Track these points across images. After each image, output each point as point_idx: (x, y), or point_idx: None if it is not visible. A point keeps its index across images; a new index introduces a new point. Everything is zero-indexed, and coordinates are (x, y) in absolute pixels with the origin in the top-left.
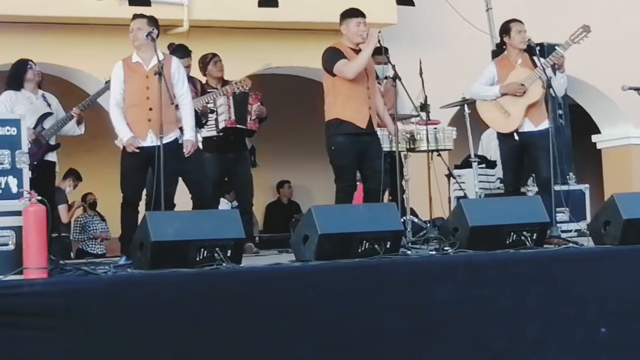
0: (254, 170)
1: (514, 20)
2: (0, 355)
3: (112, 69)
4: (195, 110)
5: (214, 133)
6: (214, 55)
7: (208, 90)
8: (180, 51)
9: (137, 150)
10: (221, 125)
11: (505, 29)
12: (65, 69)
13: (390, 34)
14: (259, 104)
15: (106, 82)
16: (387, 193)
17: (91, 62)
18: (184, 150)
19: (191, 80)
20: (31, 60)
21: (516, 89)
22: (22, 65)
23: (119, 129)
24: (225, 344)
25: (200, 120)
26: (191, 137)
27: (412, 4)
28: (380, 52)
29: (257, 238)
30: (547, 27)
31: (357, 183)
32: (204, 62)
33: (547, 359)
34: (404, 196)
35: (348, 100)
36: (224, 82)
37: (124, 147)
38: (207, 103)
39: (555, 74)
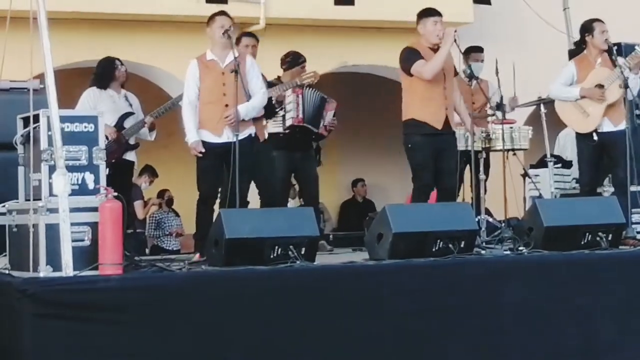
0: (325, 168)
1: (597, 20)
2: (75, 348)
3: (188, 68)
4: (270, 99)
5: (280, 130)
6: (304, 60)
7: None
8: (247, 33)
9: (200, 155)
10: (288, 122)
11: (587, 28)
12: (142, 66)
13: (467, 33)
14: (333, 112)
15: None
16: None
17: (168, 60)
18: (225, 115)
19: None
20: (118, 59)
21: (598, 96)
22: (110, 64)
23: (188, 129)
24: (298, 341)
25: (274, 109)
26: (240, 109)
27: (489, 3)
28: (478, 49)
29: (331, 236)
30: (624, 27)
31: None
32: (294, 63)
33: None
34: (480, 195)
35: (424, 101)
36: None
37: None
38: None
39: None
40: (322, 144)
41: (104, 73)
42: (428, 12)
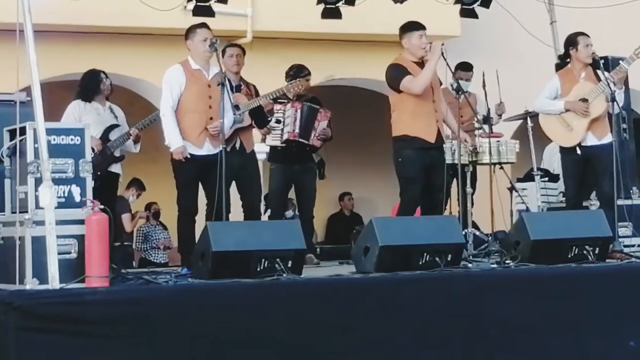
0: (317, 182)
1: (581, 33)
2: None
3: (170, 72)
4: (261, 109)
5: (278, 143)
6: (308, 73)
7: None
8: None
9: (184, 160)
10: (285, 136)
11: (571, 42)
12: (129, 79)
13: (454, 46)
14: (326, 122)
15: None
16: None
17: (155, 72)
18: (212, 125)
19: (245, 83)
20: (103, 72)
21: (582, 109)
22: (95, 77)
23: (170, 134)
24: (284, 353)
25: (265, 117)
26: (224, 124)
27: (476, 17)
28: (467, 68)
29: (318, 249)
30: (610, 41)
31: None
32: (297, 75)
33: None
34: (467, 209)
35: (415, 117)
36: (299, 97)
37: (177, 160)
38: (276, 113)
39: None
40: (320, 154)
41: (89, 86)
42: (412, 26)
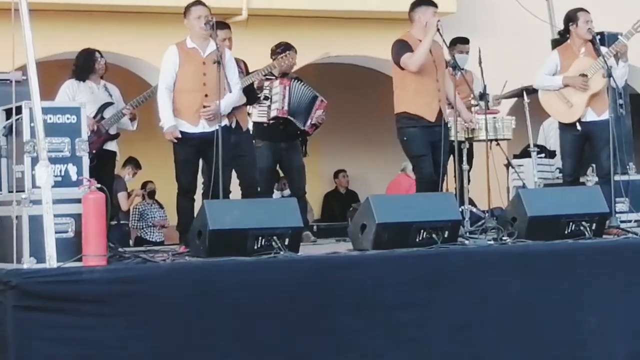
0: (307, 160)
1: (581, 9)
2: (60, 340)
3: (165, 54)
4: (252, 85)
5: (265, 120)
6: (295, 51)
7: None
8: (220, 25)
9: (175, 141)
10: (272, 113)
11: (571, 18)
12: (124, 58)
13: (450, 23)
14: (322, 111)
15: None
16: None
17: (151, 51)
18: (202, 111)
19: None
20: (98, 51)
21: (581, 84)
22: (90, 56)
23: (163, 114)
24: (282, 331)
25: (255, 94)
26: (220, 106)
27: None
28: (465, 41)
29: (315, 227)
30: (607, 16)
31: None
32: (284, 53)
33: (606, 349)
34: (464, 186)
35: (417, 94)
36: (284, 75)
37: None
38: (264, 89)
39: (617, 63)
40: (312, 135)
41: (84, 65)
42: (427, 1)
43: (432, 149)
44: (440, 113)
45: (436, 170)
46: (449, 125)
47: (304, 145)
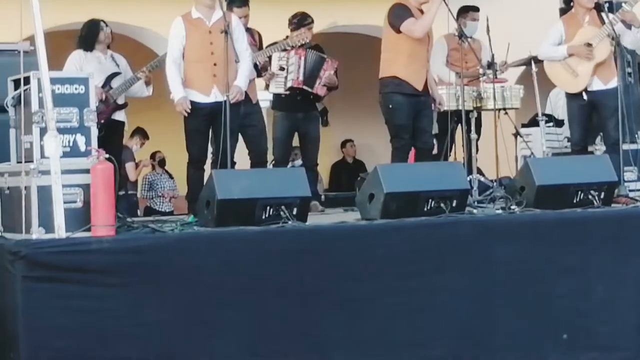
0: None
1: None
2: (70, 310)
3: (171, 27)
4: (256, 64)
5: (282, 91)
6: (311, 21)
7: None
8: (239, 0)
9: (186, 114)
10: (289, 84)
11: None
12: (131, 28)
13: None
14: (332, 72)
15: None
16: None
17: (158, 21)
18: (230, 95)
19: (249, 31)
20: (103, 21)
21: (585, 53)
22: (94, 26)
23: (173, 86)
24: (291, 300)
25: (259, 74)
26: (240, 84)
27: None
28: (476, 9)
29: (322, 196)
30: None
31: None
32: (300, 24)
33: (614, 318)
34: (472, 155)
35: (409, 60)
36: (302, 44)
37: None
38: (280, 60)
39: (630, 29)
40: (323, 102)
41: (89, 35)
42: None
43: (417, 118)
44: (426, 83)
45: (423, 137)
46: (457, 95)
47: (325, 114)
